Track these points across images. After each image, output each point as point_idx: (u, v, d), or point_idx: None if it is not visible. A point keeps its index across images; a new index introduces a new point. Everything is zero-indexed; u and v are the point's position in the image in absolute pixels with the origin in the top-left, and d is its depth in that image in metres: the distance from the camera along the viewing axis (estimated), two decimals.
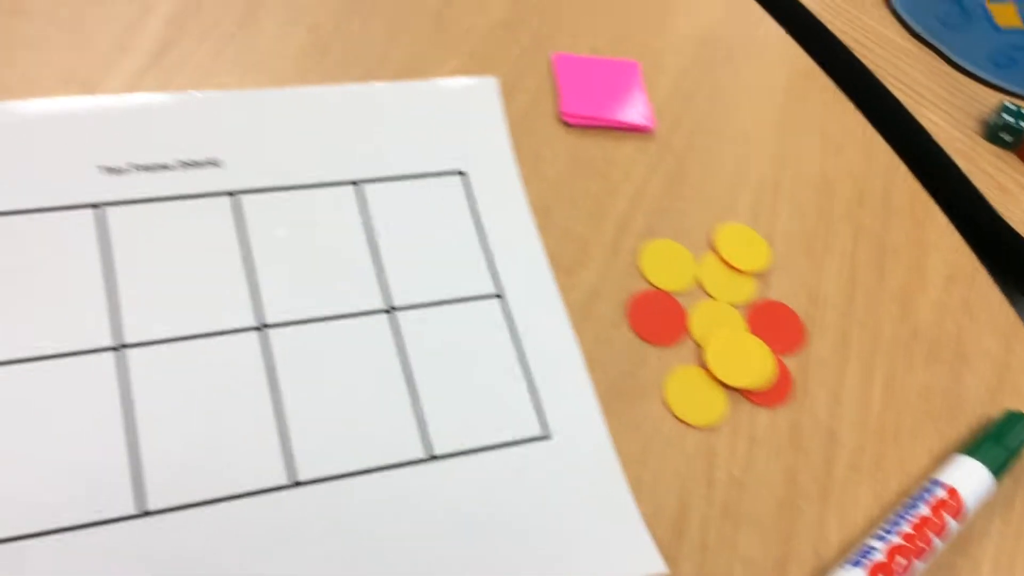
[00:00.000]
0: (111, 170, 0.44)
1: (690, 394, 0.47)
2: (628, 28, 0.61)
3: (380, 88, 0.51)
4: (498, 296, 0.48)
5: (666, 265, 0.51)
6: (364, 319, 0.45)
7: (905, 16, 0.72)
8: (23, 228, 0.42)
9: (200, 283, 0.44)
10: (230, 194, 0.46)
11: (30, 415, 0.38)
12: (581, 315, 0.48)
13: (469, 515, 0.41)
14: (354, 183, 0.48)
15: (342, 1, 0.55)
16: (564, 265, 0.50)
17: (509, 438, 0.44)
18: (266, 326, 0.43)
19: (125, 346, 0.41)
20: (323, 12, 0.54)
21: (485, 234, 0.49)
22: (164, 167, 0.45)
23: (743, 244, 0.53)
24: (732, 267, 0.52)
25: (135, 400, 0.40)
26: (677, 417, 0.47)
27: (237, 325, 0.43)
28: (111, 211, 0.44)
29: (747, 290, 0.52)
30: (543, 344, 0.47)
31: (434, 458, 0.43)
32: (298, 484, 0.40)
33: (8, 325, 0.40)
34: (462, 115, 0.52)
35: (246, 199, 0.46)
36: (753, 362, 0.49)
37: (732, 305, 0.51)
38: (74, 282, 0.42)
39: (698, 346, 0.49)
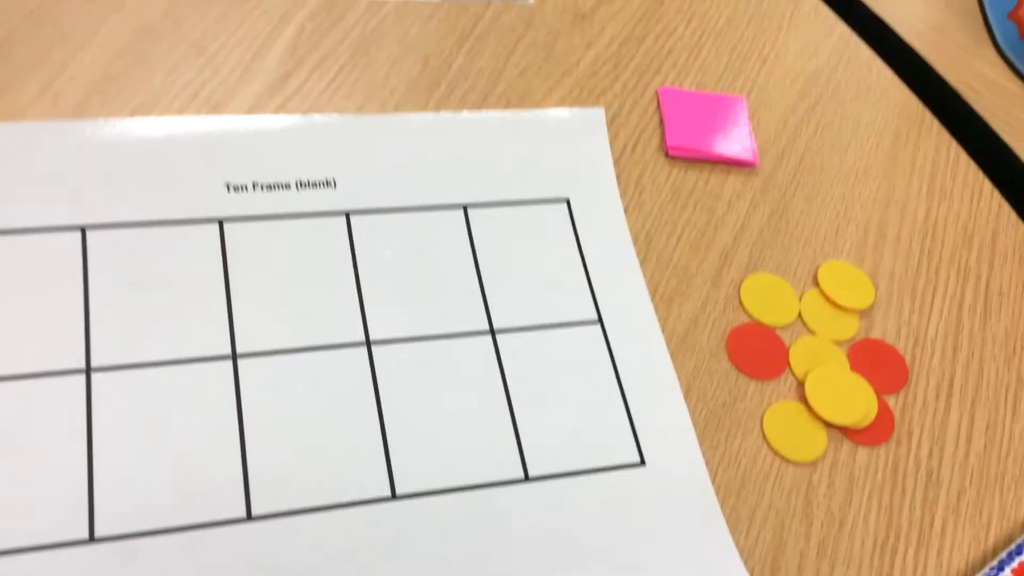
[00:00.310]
0: (236, 187, 0.46)
1: (789, 429, 0.47)
2: (735, 63, 0.61)
3: (489, 116, 0.53)
4: (598, 322, 0.48)
5: (768, 299, 0.51)
6: (466, 340, 0.46)
7: (1015, 60, 0.71)
8: (155, 240, 0.44)
9: (311, 298, 0.45)
10: (344, 214, 0.47)
11: (151, 417, 0.40)
12: (680, 345, 0.48)
13: (562, 538, 0.42)
14: (462, 207, 0.50)
15: (452, 35, 0.57)
16: (664, 295, 0.50)
17: (604, 463, 0.44)
18: (372, 342, 0.45)
19: (238, 355, 0.43)
20: (433, 45, 0.56)
21: (586, 261, 0.50)
22: (284, 186, 0.47)
23: (847, 281, 0.53)
24: (835, 304, 0.52)
25: (245, 408, 0.41)
26: (775, 451, 0.46)
27: (345, 340, 0.44)
28: (231, 226, 0.46)
29: (850, 327, 0.51)
30: (641, 372, 0.47)
31: (529, 479, 0.43)
32: (397, 497, 0.41)
33: (135, 331, 0.42)
34: (569, 144, 0.53)
35: (357, 219, 0.48)
36: (854, 400, 0.48)
37: (834, 342, 0.51)
38: (197, 292, 0.44)
39: (798, 381, 0.49)
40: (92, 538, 0.37)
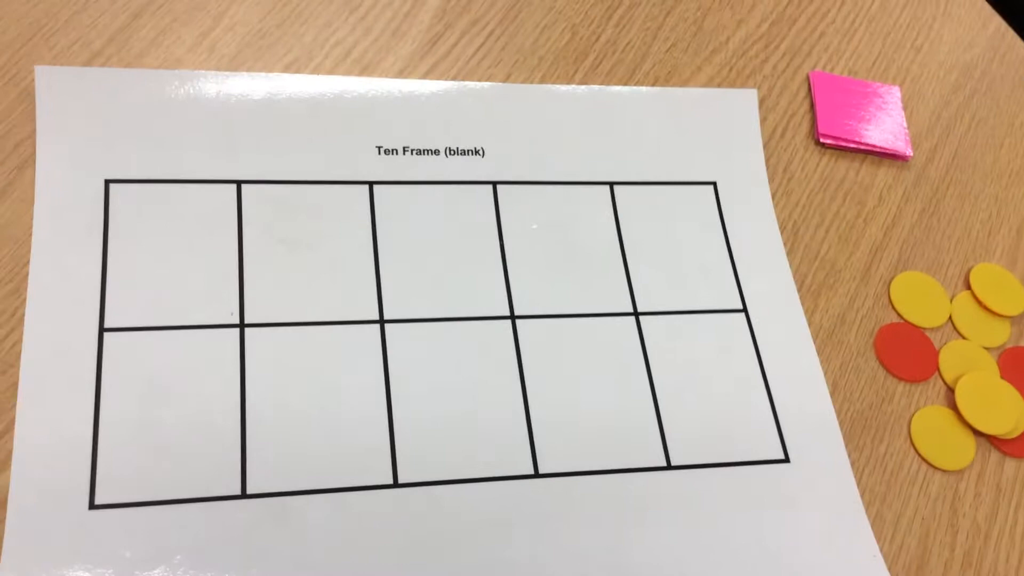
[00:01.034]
0: (387, 151, 0.46)
1: (938, 435, 0.45)
2: (888, 51, 0.59)
3: (639, 92, 0.51)
4: (742, 311, 0.47)
5: (918, 299, 0.49)
6: (610, 320, 0.45)
7: None
8: (307, 198, 0.44)
9: (458, 267, 0.45)
10: (491, 184, 0.47)
11: (300, 376, 0.41)
12: (827, 341, 0.47)
13: (701, 528, 0.41)
14: (608, 184, 0.49)
15: (601, 5, 0.55)
16: (811, 288, 0.49)
17: (747, 457, 0.43)
18: (516, 316, 0.44)
19: (386, 321, 0.42)
20: (582, 15, 0.55)
21: (732, 247, 0.49)
22: (433, 152, 0.47)
23: (999, 286, 0.51)
24: (987, 308, 0.50)
25: (392, 374, 0.41)
26: (922, 457, 0.45)
27: (490, 312, 0.44)
28: (381, 189, 0.45)
29: (1001, 334, 0.50)
30: (786, 366, 0.46)
31: (671, 467, 0.42)
32: (540, 475, 0.41)
33: (287, 289, 0.42)
34: (719, 126, 0.52)
35: (504, 190, 0.47)
36: (1004, 409, 0.46)
37: (984, 348, 0.49)
38: (347, 254, 0.44)
39: (947, 386, 0.47)
40: (244, 494, 0.37)
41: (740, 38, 0.56)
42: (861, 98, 0.55)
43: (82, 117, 0.43)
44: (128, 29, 0.47)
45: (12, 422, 0.37)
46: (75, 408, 0.37)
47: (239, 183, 0.44)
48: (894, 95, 0.55)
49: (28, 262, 0.40)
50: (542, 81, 0.51)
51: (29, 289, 0.39)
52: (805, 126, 0.54)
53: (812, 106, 0.54)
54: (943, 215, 0.53)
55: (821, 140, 0.53)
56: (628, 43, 0.54)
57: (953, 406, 0.46)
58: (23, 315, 0.39)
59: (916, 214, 0.52)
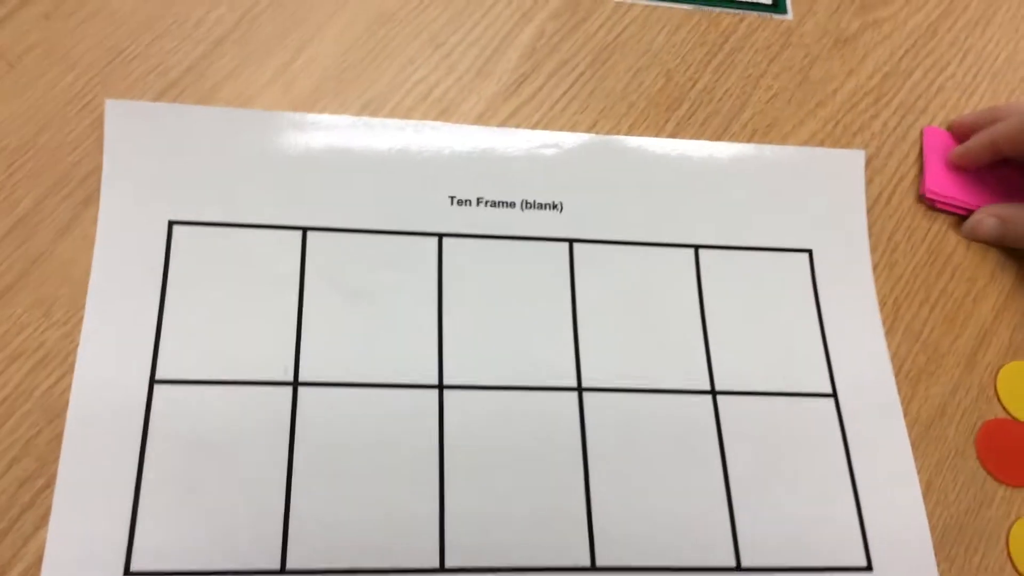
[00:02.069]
0: (460, 202, 0.44)
1: None
2: None
3: (732, 148, 0.48)
4: (832, 397, 0.43)
5: None
6: (684, 398, 0.42)
7: None
8: (373, 248, 0.42)
9: (525, 331, 0.42)
10: (568, 241, 0.44)
11: (351, 439, 0.39)
12: (923, 435, 0.43)
13: None
14: (693, 247, 0.45)
15: (700, 49, 0.52)
16: (910, 374, 0.45)
17: (826, 562, 0.40)
18: (584, 388, 0.41)
19: (445, 386, 0.40)
20: (679, 59, 0.52)
21: (824, 324, 0.45)
22: (509, 205, 0.44)
23: None
24: None
25: (447, 444, 0.39)
26: (1020, 573, 0.40)
27: (556, 383, 0.41)
28: (451, 242, 0.43)
29: None
30: (877, 461, 0.42)
31: (742, 569, 0.39)
32: (597, 568, 0.38)
33: (346, 345, 0.41)
34: (819, 188, 0.48)
35: (581, 248, 0.44)
36: None
37: None
38: (410, 311, 0.42)
39: None
40: (283, 570, 0.36)
41: (849, 90, 0.52)
42: None
43: (150, 154, 0.42)
44: (207, 59, 0.46)
45: (54, 476, 0.36)
46: (118, 465, 0.36)
47: (305, 229, 0.42)
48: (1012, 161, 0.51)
49: (84, 305, 0.39)
50: (631, 129, 0.48)
51: (83, 334, 0.38)
52: (914, 191, 0.50)
53: (922, 164, 0.50)
54: None
55: (929, 198, 0.48)
56: (727, 91, 0.51)
57: None
58: (74, 361, 0.38)
59: None
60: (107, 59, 0.45)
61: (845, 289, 0.46)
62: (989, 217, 0.48)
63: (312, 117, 0.44)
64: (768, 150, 0.48)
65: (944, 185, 0.49)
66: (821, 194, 0.48)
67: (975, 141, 0.48)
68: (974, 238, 0.49)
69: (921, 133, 0.52)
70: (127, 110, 0.42)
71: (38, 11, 0.45)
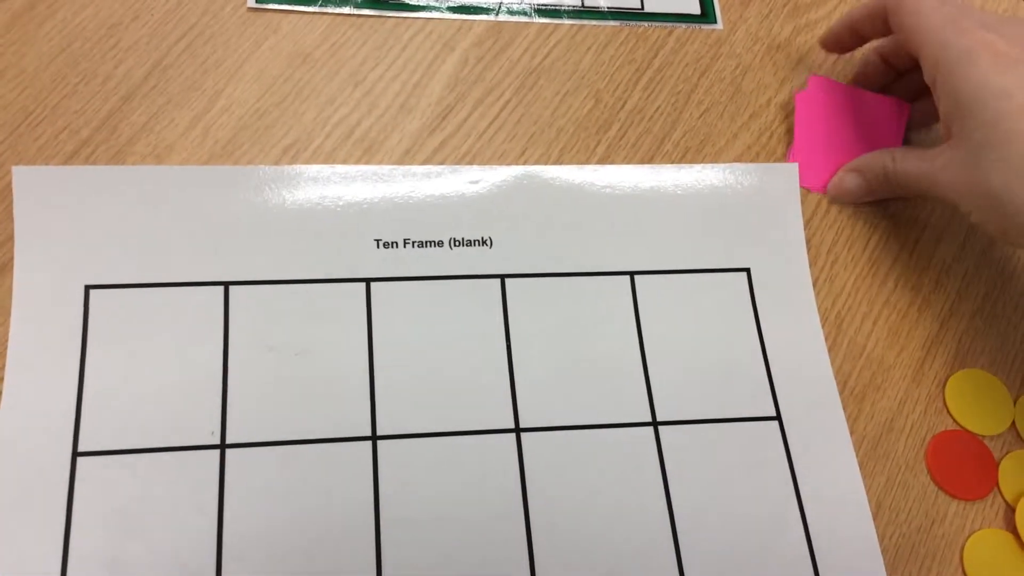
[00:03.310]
0: (386, 244, 0.44)
1: (995, 563, 0.41)
2: None
3: (663, 171, 0.48)
4: (776, 419, 0.43)
5: (977, 402, 0.45)
6: (625, 431, 0.42)
7: None
8: (298, 299, 0.42)
9: (460, 373, 0.42)
10: (499, 277, 0.44)
11: (281, 499, 0.39)
12: (871, 452, 0.43)
13: None
14: (628, 274, 0.45)
15: (629, 67, 0.52)
16: (855, 390, 0.45)
17: None
18: (521, 429, 0.41)
19: (378, 437, 0.40)
20: (607, 78, 0.52)
21: (766, 345, 0.45)
22: (436, 244, 0.44)
23: None
24: None
25: (382, 497, 0.39)
26: None
27: (492, 425, 0.41)
28: (379, 286, 0.43)
29: None
30: (824, 482, 0.42)
31: None
32: None
33: (274, 402, 0.41)
34: (754, 205, 0.48)
35: (513, 283, 0.44)
36: None
37: None
38: (339, 361, 0.42)
39: (1008, 505, 0.43)
40: None
41: (783, 99, 0.52)
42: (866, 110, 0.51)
43: (62, 219, 0.41)
44: (118, 114, 0.45)
45: None
46: (44, 542, 0.36)
47: (227, 284, 0.42)
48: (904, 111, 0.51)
49: (2, 378, 0.39)
50: (561, 154, 0.48)
51: (1, 409, 0.38)
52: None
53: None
54: (1009, 302, 0.48)
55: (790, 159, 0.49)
56: (657, 109, 0.51)
57: (1013, 529, 0.42)
58: None
59: (979, 299, 0.48)
60: (14, 123, 0.44)
61: (785, 306, 0.46)
62: (848, 173, 0.49)
63: (228, 169, 0.44)
64: (699, 169, 0.48)
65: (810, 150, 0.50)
66: (756, 210, 0.48)
67: (834, 24, 0.51)
68: (841, 201, 0.50)
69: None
70: (35, 176, 0.42)
71: None
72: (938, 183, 0.43)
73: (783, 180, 0.49)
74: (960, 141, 0.41)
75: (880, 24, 0.47)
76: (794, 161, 0.49)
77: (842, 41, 0.50)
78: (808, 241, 0.48)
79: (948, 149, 0.43)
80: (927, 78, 0.44)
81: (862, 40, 0.49)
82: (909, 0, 0.44)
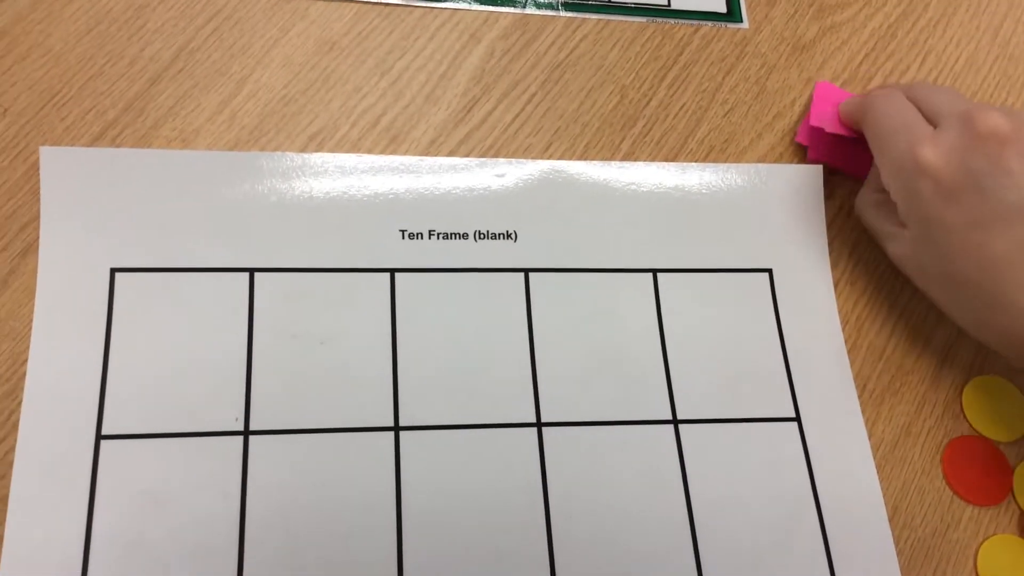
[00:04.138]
0: (411, 235, 0.44)
1: (1008, 569, 0.42)
2: None
3: (688, 169, 0.49)
4: (795, 420, 0.44)
5: (994, 408, 0.46)
6: (645, 428, 0.43)
7: None
8: (323, 287, 0.43)
9: (482, 366, 0.43)
10: (523, 271, 0.45)
11: (304, 487, 0.40)
12: (888, 456, 0.44)
13: None
14: (651, 272, 0.46)
15: (655, 64, 0.53)
16: (874, 393, 0.45)
17: None
18: (543, 424, 0.42)
19: (401, 428, 0.41)
20: (633, 75, 0.52)
21: (786, 346, 0.46)
22: (461, 236, 0.45)
23: None
24: None
25: (404, 488, 0.40)
26: None
27: (513, 419, 0.42)
28: (403, 277, 0.44)
29: None
30: (841, 485, 0.43)
31: None
32: None
33: (297, 390, 0.41)
34: (777, 206, 0.49)
35: (537, 278, 0.45)
36: None
37: None
38: (362, 351, 0.43)
39: (1022, 512, 0.44)
40: None
41: (807, 100, 0.53)
42: None
43: (88, 201, 0.42)
44: (145, 96, 0.46)
45: (0, 538, 0.36)
46: (66, 525, 0.37)
47: (252, 271, 0.42)
48: None
49: (27, 360, 0.39)
50: (586, 150, 0.49)
51: (25, 392, 0.39)
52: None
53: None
54: None
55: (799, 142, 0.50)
56: (682, 107, 0.51)
57: None
58: (18, 420, 0.38)
59: None
60: (39, 103, 0.45)
61: (806, 308, 0.47)
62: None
63: (255, 155, 0.44)
64: (724, 169, 0.49)
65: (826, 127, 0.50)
66: (780, 211, 0.49)
67: (849, 102, 0.50)
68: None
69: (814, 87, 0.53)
70: (63, 157, 0.42)
71: None
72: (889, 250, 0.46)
73: (807, 181, 0.50)
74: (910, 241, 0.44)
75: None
76: (810, 126, 0.51)
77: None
78: (830, 243, 0.49)
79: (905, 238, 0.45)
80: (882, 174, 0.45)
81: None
82: (875, 104, 0.46)
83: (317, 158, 0.45)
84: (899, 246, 0.44)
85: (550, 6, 0.53)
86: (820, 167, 0.50)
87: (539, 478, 0.41)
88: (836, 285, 0.48)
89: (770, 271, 0.47)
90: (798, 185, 0.49)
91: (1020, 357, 0.39)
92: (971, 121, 0.40)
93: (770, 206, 0.49)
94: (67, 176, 0.42)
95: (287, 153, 0.45)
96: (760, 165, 0.49)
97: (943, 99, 0.43)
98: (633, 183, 0.48)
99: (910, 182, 0.42)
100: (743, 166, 0.49)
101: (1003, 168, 0.39)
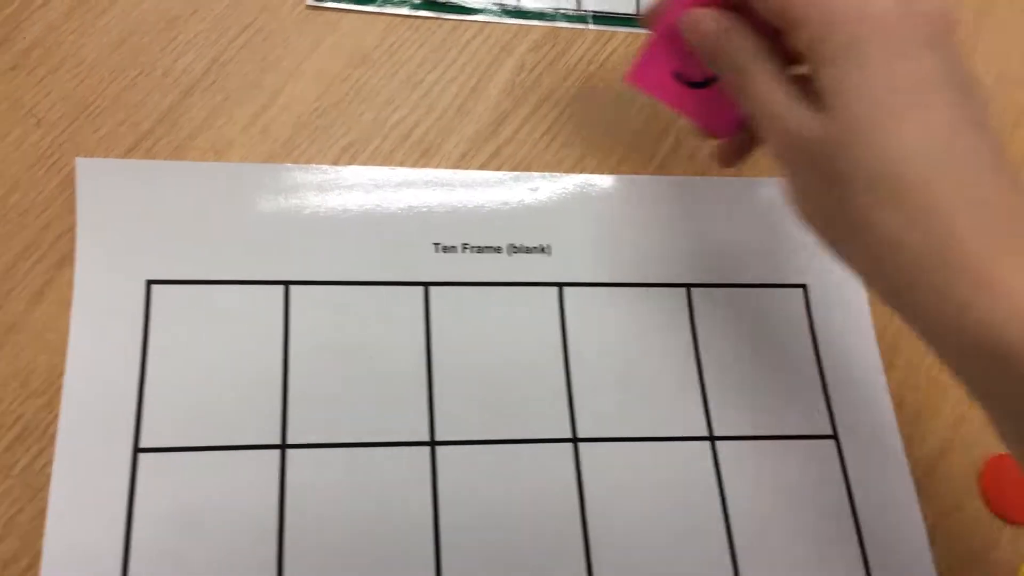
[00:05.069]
0: (445, 248, 0.45)
1: None
2: None
3: (721, 183, 0.49)
4: (832, 438, 0.44)
5: None
6: (681, 445, 0.43)
7: None
8: (358, 300, 0.43)
9: (516, 380, 0.44)
10: (557, 285, 0.45)
11: (341, 501, 0.40)
12: (927, 476, 0.45)
13: None
14: (685, 287, 0.46)
15: None
16: (911, 411, 0.46)
17: None
18: (579, 439, 0.42)
19: (436, 443, 0.41)
20: None
21: (822, 362, 0.46)
22: (495, 249, 0.45)
23: None
24: None
25: (441, 500, 0.41)
26: None
27: (550, 434, 0.42)
28: (437, 291, 0.44)
29: None
30: (880, 503, 0.43)
31: None
32: None
33: (334, 404, 0.42)
34: None
35: (571, 292, 0.45)
36: None
37: None
38: (397, 363, 0.43)
39: None
40: None
41: None
42: None
43: (124, 212, 0.42)
44: (178, 108, 0.46)
45: (39, 554, 0.37)
46: (105, 540, 0.37)
47: (287, 284, 0.43)
48: None
49: (63, 372, 0.40)
50: (618, 164, 0.49)
51: (63, 404, 0.39)
52: None
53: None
54: None
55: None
56: None
57: None
58: (55, 432, 0.39)
59: None
60: (73, 114, 0.45)
61: (842, 324, 0.47)
62: (711, 19, 0.38)
63: (289, 168, 0.45)
64: (756, 183, 0.49)
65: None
66: None
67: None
68: (692, 35, 0.39)
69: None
70: (98, 168, 0.43)
71: (5, 62, 0.46)
72: (779, 144, 0.36)
73: None
74: (831, 119, 0.33)
75: None
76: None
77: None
78: None
79: (819, 119, 0.34)
80: (804, 48, 0.34)
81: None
82: None
83: (350, 171, 0.46)
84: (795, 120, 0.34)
85: (580, 19, 0.53)
86: None
87: (576, 493, 0.41)
88: (871, 301, 0.48)
89: (804, 287, 0.48)
90: None
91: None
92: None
93: None
94: (103, 187, 0.43)
95: (320, 166, 0.45)
96: None
97: None
98: (666, 196, 0.48)
99: (848, 60, 0.33)
100: (775, 180, 0.50)
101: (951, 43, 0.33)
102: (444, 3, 0.52)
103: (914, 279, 0.31)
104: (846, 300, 0.48)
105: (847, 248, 0.35)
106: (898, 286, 0.33)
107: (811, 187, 0.35)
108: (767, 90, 0.35)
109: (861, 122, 0.32)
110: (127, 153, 0.45)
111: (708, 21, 0.38)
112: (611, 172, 0.49)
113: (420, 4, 0.51)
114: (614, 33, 0.54)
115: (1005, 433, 0.31)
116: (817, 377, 0.45)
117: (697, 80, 0.41)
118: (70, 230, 0.43)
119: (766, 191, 0.49)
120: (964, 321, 0.30)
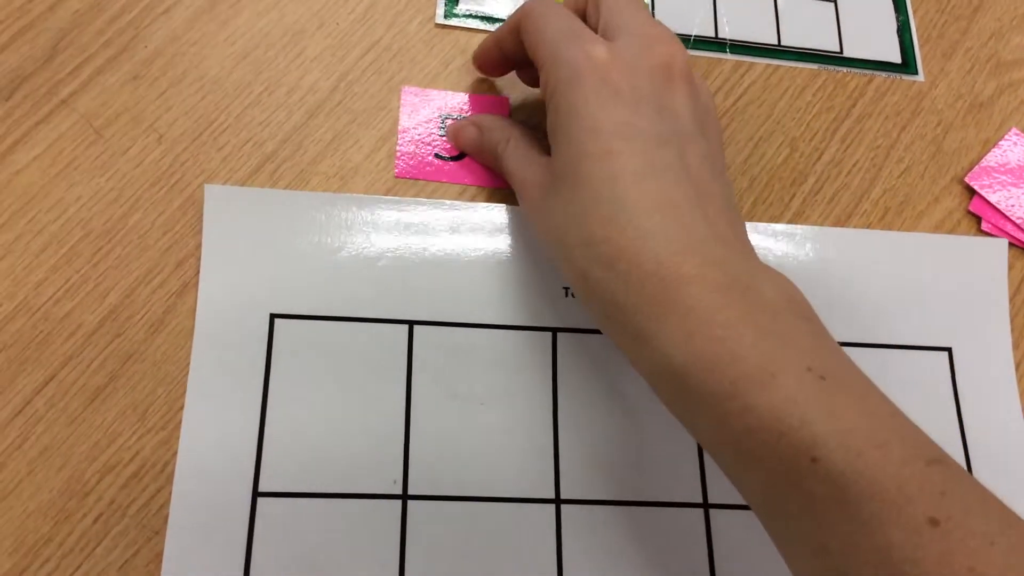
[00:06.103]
0: (574, 294, 0.43)
1: None
2: None
3: (867, 235, 0.47)
4: None
5: None
6: None
7: None
8: (483, 344, 0.42)
9: (643, 432, 0.42)
10: None
11: (461, 555, 0.39)
12: None
13: None
14: None
15: (827, 115, 0.52)
16: None
17: None
18: (709, 505, 0.41)
19: (562, 501, 0.40)
20: (803, 126, 0.51)
21: (965, 432, 0.44)
22: None
23: None
24: None
25: (564, 564, 0.40)
26: None
27: (682, 498, 0.41)
28: (565, 338, 0.43)
29: None
30: None
31: None
32: None
33: (456, 454, 0.41)
34: (959, 279, 0.47)
35: None
36: None
37: None
38: (524, 413, 0.42)
39: None
40: None
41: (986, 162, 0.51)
42: None
43: (249, 242, 0.41)
44: (303, 129, 0.45)
45: None
46: None
47: (411, 323, 0.41)
48: None
49: (183, 407, 0.39)
50: (754, 206, 0.48)
51: (181, 441, 0.38)
52: None
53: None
54: None
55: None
56: (856, 163, 0.50)
57: None
58: (172, 471, 0.38)
59: None
60: (196, 130, 0.44)
61: (987, 391, 0.45)
62: (470, 126, 0.46)
63: (419, 202, 0.44)
64: (901, 237, 0.47)
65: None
66: (961, 286, 0.47)
67: (484, 40, 0.47)
68: (456, 144, 0.47)
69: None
70: (227, 196, 0.42)
71: (126, 72, 0.45)
72: (522, 198, 0.42)
73: (991, 255, 0.48)
74: (550, 165, 0.40)
75: (519, 40, 0.42)
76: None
77: (491, 58, 0.46)
78: (1012, 320, 0.47)
79: (544, 167, 0.41)
80: (543, 93, 0.40)
81: (508, 59, 0.45)
82: (535, 8, 0.41)
83: (481, 207, 0.44)
84: (531, 181, 0.41)
85: (718, 47, 0.51)
86: (1005, 241, 0.48)
87: (706, 561, 0.40)
88: (1017, 367, 0.46)
89: (950, 350, 0.46)
90: (980, 259, 0.48)
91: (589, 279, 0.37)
92: (650, 46, 0.39)
93: (950, 280, 0.47)
94: (230, 215, 0.42)
95: (450, 201, 0.44)
96: (941, 236, 0.48)
97: (623, 14, 0.40)
98: (803, 248, 0.46)
99: (569, 84, 0.38)
100: (922, 235, 0.47)
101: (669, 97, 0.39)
102: None
103: (621, 325, 0.35)
104: (991, 365, 0.46)
105: (590, 308, 0.38)
106: (611, 333, 0.37)
107: (550, 233, 0.39)
108: (517, 167, 0.42)
109: (566, 166, 0.37)
110: (251, 175, 0.43)
111: (469, 128, 0.46)
112: (747, 214, 0.47)
113: None
114: (752, 64, 0.52)
115: (713, 455, 0.35)
116: (960, 445, 0.44)
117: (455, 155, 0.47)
118: (193, 254, 0.41)
119: (909, 245, 0.48)
120: (650, 352, 0.34)
